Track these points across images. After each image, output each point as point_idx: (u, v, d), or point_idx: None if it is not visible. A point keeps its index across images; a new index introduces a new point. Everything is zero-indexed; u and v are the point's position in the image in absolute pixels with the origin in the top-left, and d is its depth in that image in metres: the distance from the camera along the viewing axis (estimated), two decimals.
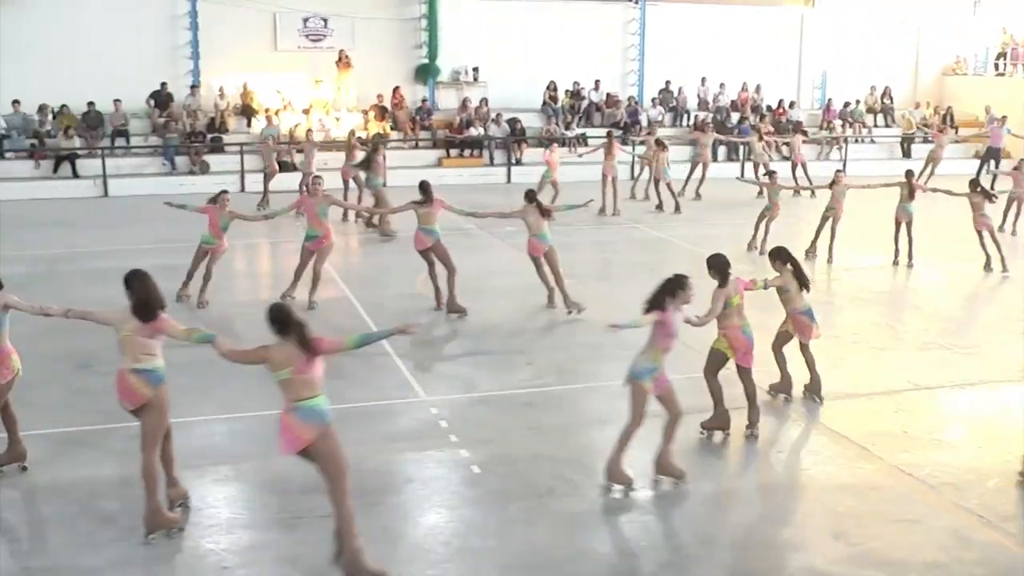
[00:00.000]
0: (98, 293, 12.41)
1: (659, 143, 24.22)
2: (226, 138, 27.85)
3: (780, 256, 10.77)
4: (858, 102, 33.61)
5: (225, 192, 14.86)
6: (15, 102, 26.65)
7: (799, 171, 26.57)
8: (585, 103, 31.64)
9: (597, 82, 31.84)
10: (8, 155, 26.28)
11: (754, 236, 18.46)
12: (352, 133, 24.52)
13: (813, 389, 10.94)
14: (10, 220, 21.25)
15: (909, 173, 18.10)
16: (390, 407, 10.86)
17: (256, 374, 11.26)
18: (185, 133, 27.51)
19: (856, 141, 32.83)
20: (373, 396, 11.11)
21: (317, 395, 7.23)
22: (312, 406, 7.18)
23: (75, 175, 26.04)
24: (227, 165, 26.89)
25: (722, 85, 32.69)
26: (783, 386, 10.99)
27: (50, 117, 26.96)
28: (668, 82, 32.46)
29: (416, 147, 29.01)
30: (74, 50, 26.93)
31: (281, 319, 7.20)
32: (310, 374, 7.17)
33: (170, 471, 8.26)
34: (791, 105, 32.67)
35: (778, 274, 10.71)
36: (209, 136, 27.76)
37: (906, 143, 32.78)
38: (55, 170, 26.15)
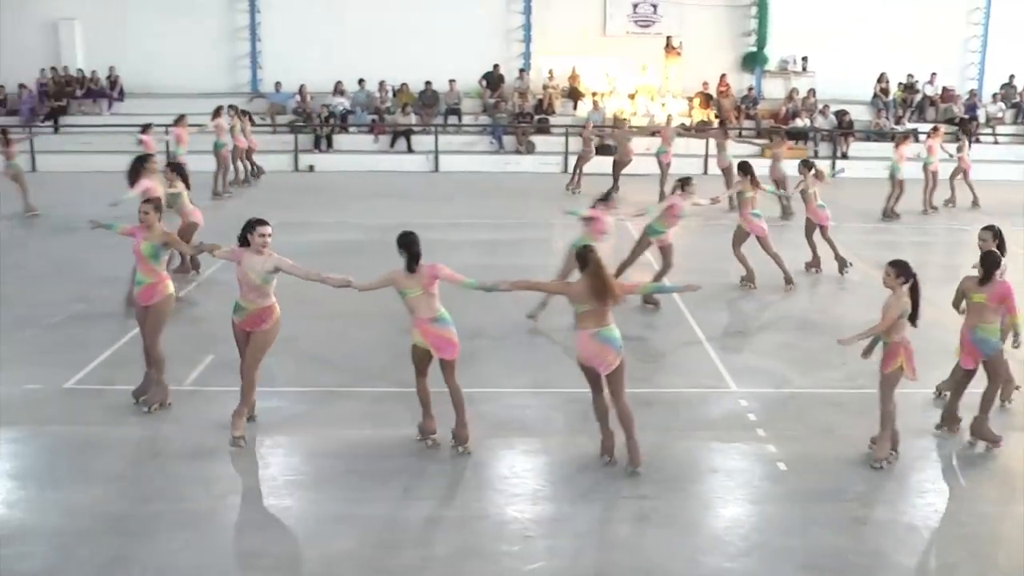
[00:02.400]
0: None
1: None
2: (552, 120, 28.56)
3: None
4: None
5: None
6: (360, 81, 28.47)
7: None
8: (919, 97, 30.21)
9: (933, 75, 30.28)
10: (352, 130, 28.10)
11: None
12: (670, 119, 24.55)
13: None
14: (352, 190, 22.82)
15: None
16: (699, 396, 10.86)
17: (569, 353, 11.59)
18: (513, 113, 28.42)
19: None
20: (683, 383, 11.17)
21: (609, 324, 8.62)
22: (609, 333, 8.58)
23: (410, 150, 27.54)
24: (552, 146, 27.59)
25: None
26: None
27: (390, 95, 28.60)
28: (1012, 76, 30.43)
29: (740, 136, 28.67)
30: (415, 32, 28.40)
31: (582, 258, 8.69)
32: (607, 309, 8.59)
33: None
34: None
35: None
36: (536, 117, 28.55)
37: None
38: (392, 144, 27.76)
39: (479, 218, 19.62)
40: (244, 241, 9.12)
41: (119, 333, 12.38)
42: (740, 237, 14.83)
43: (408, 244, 8.82)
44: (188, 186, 14.60)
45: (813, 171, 15.80)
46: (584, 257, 8.68)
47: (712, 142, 23.32)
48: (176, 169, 14.77)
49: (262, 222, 9.12)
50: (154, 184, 13.77)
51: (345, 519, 8.01)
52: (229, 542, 7.83)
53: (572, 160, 25.87)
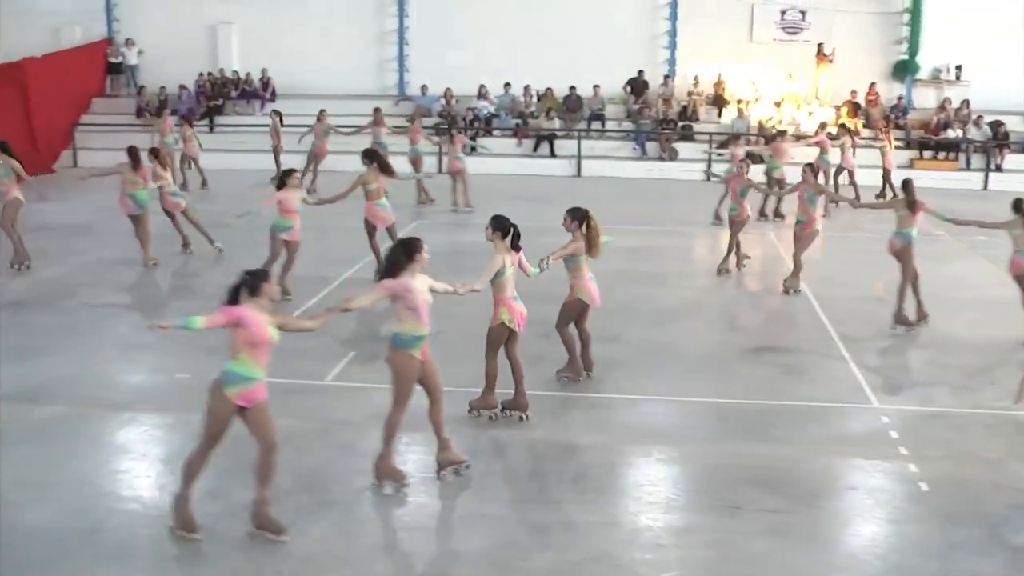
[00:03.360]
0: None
1: None
2: (696, 127, 28.35)
3: None
4: None
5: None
6: (506, 85, 28.74)
7: None
8: None
9: None
10: (496, 133, 28.37)
11: None
12: (823, 126, 24.11)
13: None
14: (495, 192, 23.04)
15: None
16: (839, 410, 10.67)
17: (708, 363, 11.53)
18: (657, 120, 28.32)
19: None
20: (823, 396, 10.97)
21: None
22: None
23: (552, 154, 27.67)
24: (695, 153, 27.41)
25: None
26: None
27: (534, 99, 28.80)
28: None
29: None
30: (560, 37, 28.53)
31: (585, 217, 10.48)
32: None
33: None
34: None
35: None
36: (680, 124, 28.38)
37: None
38: (535, 149, 27.94)
39: (621, 224, 19.52)
40: (396, 267, 8.36)
41: None
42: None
43: (512, 225, 9.59)
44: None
45: None
46: (587, 217, 10.53)
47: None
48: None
49: (421, 242, 8.58)
50: (289, 196, 14.09)
51: (479, 518, 8.13)
52: (366, 536, 8.01)
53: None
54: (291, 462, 9.16)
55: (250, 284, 7.45)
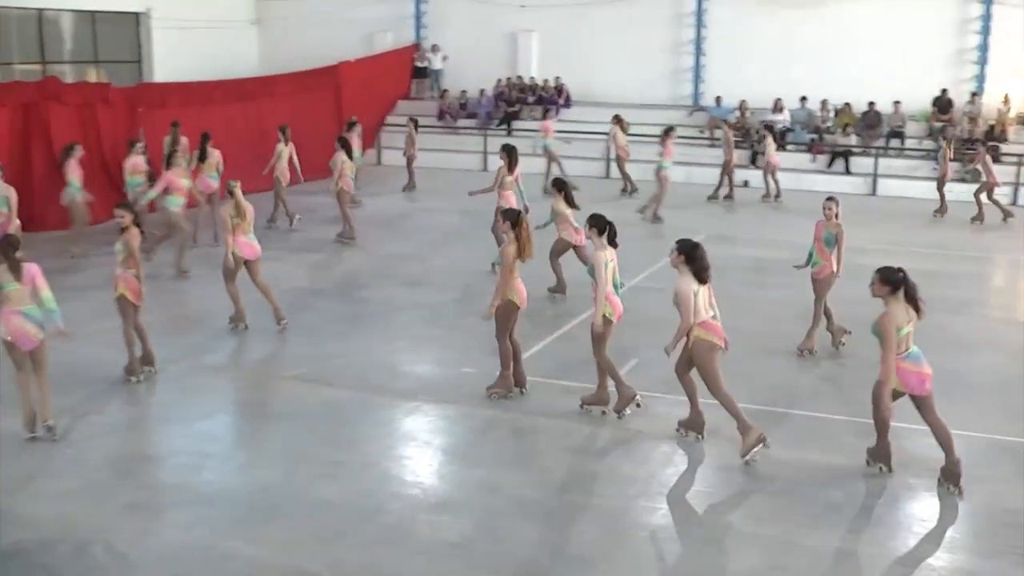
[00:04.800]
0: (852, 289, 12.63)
1: None
2: (1004, 147, 26.74)
3: None
4: None
5: None
6: (802, 99, 28.08)
7: None
8: None
9: None
10: (789, 147, 27.77)
11: None
12: None
13: None
14: (782, 207, 22.73)
15: None
16: None
17: (1007, 398, 10.88)
18: (961, 139, 26.91)
19: None
20: None
21: None
22: None
23: (847, 171, 26.81)
24: (1002, 176, 25.83)
25: None
26: None
27: (831, 114, 28.00)
28: None
29: None
30: (862, 51, 27.57)
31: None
32: None
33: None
34: None
35: None
36: (987, 144, 26.84)
37: None
38: (829, 165, 27.15)
39: (918, 246, 18.79)
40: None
41: (552, 328, 13.14)
42: None
43: (609, 223, 10.16)
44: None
45: None
46: (518, 218, 10.57)
47: None
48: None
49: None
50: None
51: (750, 538, 8.03)
52: (637, 542, 8.06)
53: None
54: (573, 462, 9.37)
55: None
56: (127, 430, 10.32)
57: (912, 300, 8.67)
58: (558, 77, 30.33)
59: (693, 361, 9.34)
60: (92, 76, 28.07)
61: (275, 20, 32.92)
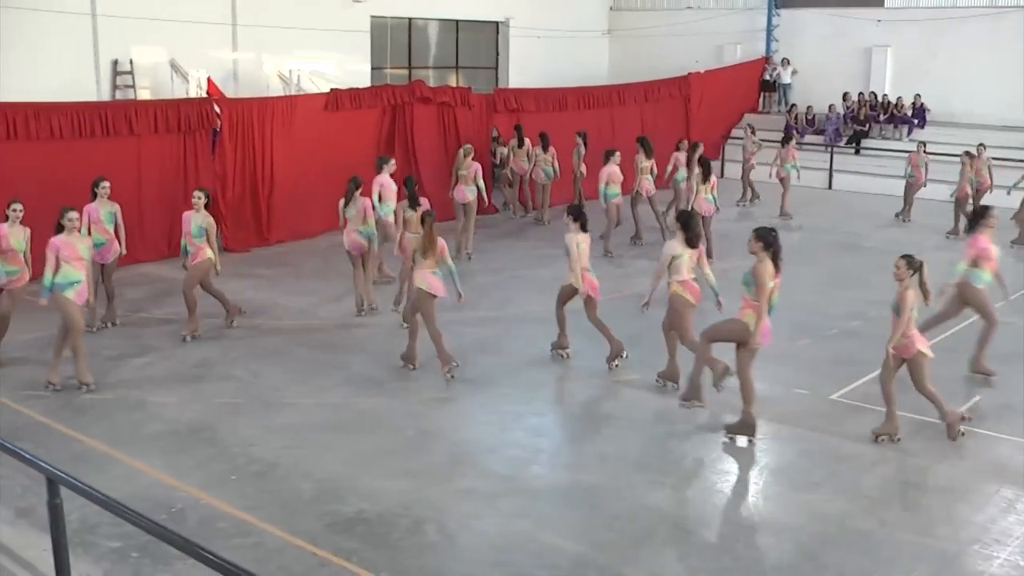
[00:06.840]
0: None
1: None
2: None
3: None
4: None
5: None
6: None
7: None
8: None
9: None
10: None
11: None
12: None
13: None
14: None
15: None
16: None
17: None
18: None
19: None
20: None
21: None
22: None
23: None
24: None
25: None
26: None
27: None
28: None
29: None
30: None
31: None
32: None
33: None
34: None
35: None
36: None
37: None
38: None
39: None
40: None
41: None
42: None
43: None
44: None
45: None
46: (426, 216, 12.01)
47: None
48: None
49: None
50: None
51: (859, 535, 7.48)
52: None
53: None
54: (902, 496, 9.04)
55: None
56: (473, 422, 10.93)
57: (776, 260, 9.78)
58: (918, 95, 28.89)
59: (669, 312, 11.11)
60: (452, 80, 29.67)
61: (627, 31, 33.50)
